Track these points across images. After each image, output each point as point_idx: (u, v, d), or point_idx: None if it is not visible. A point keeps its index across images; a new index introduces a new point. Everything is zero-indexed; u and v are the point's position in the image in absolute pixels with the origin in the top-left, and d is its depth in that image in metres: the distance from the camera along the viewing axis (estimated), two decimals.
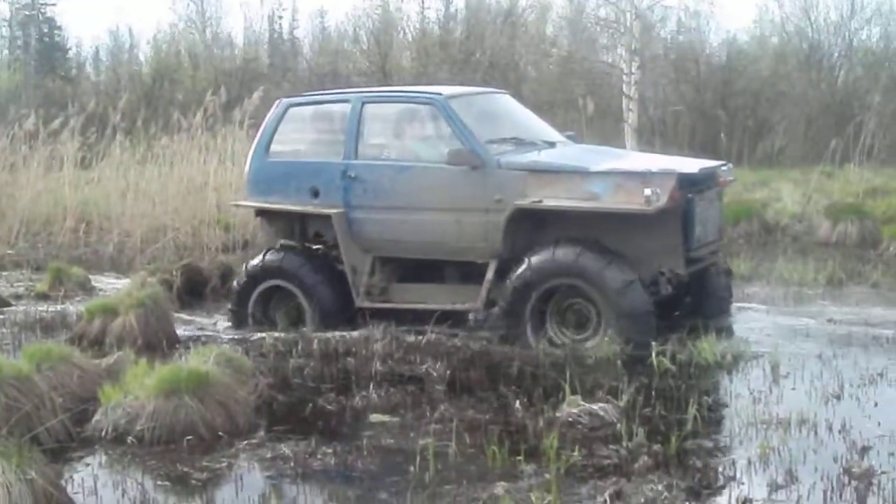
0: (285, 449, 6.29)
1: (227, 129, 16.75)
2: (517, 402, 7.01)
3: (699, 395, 6.87)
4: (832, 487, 5.41)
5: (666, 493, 5.35)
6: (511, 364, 8.05)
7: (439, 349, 8.45)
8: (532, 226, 8.91)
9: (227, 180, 16.16)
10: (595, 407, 6.73)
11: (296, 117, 10.10)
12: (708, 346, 7.98)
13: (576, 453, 5.92)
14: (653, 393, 7.14)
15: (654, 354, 7.87)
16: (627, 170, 8.77)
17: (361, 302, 9.46)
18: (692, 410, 6.50)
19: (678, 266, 8.67)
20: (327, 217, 9.56)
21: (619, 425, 6.43)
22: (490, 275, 8.94)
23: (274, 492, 5.64)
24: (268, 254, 9.91)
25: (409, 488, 5.61)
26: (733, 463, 5.83)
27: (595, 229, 8.64)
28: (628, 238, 8.59)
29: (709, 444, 6.18)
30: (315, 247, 9.90)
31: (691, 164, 9.01)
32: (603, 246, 8.51)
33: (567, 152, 9.56)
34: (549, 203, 8.65)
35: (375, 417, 7.01)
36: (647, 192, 8.20)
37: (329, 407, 7.28)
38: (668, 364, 7.76)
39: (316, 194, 9.62)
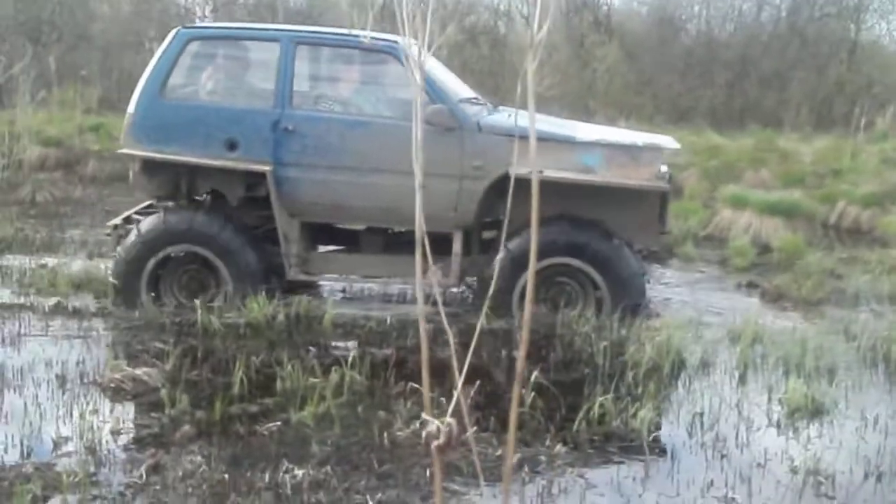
0: None
1: None
2: None
3: (248, 357, 6.69)
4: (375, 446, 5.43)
5: (205, 466, 5.14)
6: None
7: None
8: (497, 195, 8.15)
9: None
10: (139, 372, 6.44)
11: (198, 52, 8.47)
12: (258, 306, 7.78)
13: (110, 423, 5.63)
14: (199, 355, 6.92)
15: (199, 314, 7.62)
16: (616, 142, 8.19)
17: (296, 274, 8.33)
18: (239, 373, 6.33)
19: (654, 242, 8.46)
20: (233, 173, 8.22)
21: (163, 391, 6.16)
22: (458, 247, 8.09)
23: None
24: (166, 214, 8.26)
25: None
26: (275, 430, 5.68)
27: (578, 203, 8.11)
28: (610, 213, 8.15)
29: (254, 408, 6.02)
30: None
31: (663, 139, 8.55)
32: (601, 225, 8.07)
33: (541, 118, 8.70)
34: (551, 174, 7.72)
35: None
36: (664, 168, 7.89)
37: None
38: (217, 325, 7.54)
39: (233, 146, 8.11)
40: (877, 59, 32.74)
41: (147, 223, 8.29)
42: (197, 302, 7.78)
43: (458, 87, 8.76)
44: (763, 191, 14.98)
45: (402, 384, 6.33)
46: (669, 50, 31.32)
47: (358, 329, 7.73)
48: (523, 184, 8.47)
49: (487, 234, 8.40)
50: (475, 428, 5.54)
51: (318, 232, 8.70)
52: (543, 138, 7.95)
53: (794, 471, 5.35)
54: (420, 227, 2.02)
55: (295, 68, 8.22)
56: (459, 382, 1.89)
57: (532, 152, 1.99)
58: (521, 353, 2.07)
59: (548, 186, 7.91)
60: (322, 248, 8.90)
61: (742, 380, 6.93)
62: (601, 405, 5.94)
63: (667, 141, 8.48)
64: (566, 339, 7.48)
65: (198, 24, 9.54)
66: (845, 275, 10.66)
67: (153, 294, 8.22)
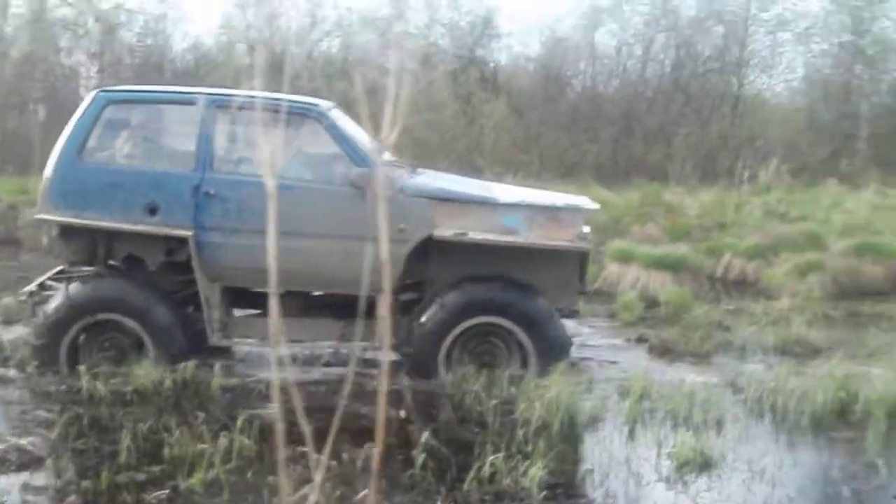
0: None
1: None
2: None
3: (135, 423, 6.57)
4: None
5: None
6: None
7: None
8: (418, 258, 8.15)
9: None
10: (24, 442, 6.28)
11: (117, 115, 8.25)
12: (144, 372, 7.64)
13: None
14: (85, 423, 6.77)
15: (85, 381, 7.47)
16: (537, 203, 8.29)
17: (219, 340, 8.18)
18: (126, 441, 6.20)
19: (574, 303, 8.54)
20: (153, 238, 8.03)
21: (48, 461, 6.02)
22: (384, 310, 7.85)
23: None
24: (90, 281, 8.07)
25: None
26: (164, 499, 5.57)
27: (500, 263, 8.23)
28: (532, 273, 8.26)
29: (142, 477, 5.88)
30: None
31: (582, 200, 8.64)
32: (522, 283, 8.15)
33: (458, 180, 8.94)
34: (476, 236, 8.02)
35: None
36: (586, 229, 8.07)
37: None
38: (103, 391, 7.39)
39: (153, 211, 7.93)
40: (759, 113, 33.66)
41: (71, 291, 8.03)
42: (81, 369, 7.62)
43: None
44: (650, 245, 15.21)
45: (291, 448, 6.24)
46: (556, 106, 31.78)
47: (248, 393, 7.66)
48: (447, 246, 8.39)
49: (405, 297, 8.38)
50: (365, 491, 5.51)
51: (238, 296, 8.56)
52: (465, 200, 8.15)
53: None
54: (273, 286, 2.02)
55: (215, 131, 8.10)
56: (323, 457, 1.89)
57: (383, 245, 2.02)
58: (378, 430, 2.08)
59: (471, 247, 8.12)
60: (238, 312, 8.75)
61: (631, 435, 7.00)
62: (492, 464, 5.94)
63: (586, 202, 8.62)
64: (456, 398, 7.49)
65: (116, 87, 9.17)
66: (732, 327, 10.85)
67: (73, 361, 8.00)
